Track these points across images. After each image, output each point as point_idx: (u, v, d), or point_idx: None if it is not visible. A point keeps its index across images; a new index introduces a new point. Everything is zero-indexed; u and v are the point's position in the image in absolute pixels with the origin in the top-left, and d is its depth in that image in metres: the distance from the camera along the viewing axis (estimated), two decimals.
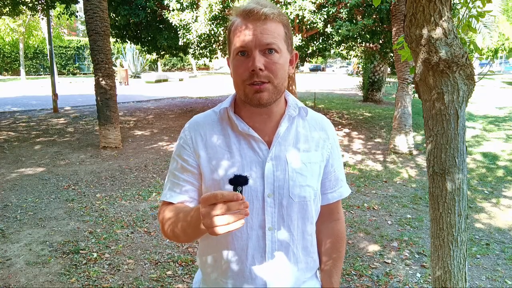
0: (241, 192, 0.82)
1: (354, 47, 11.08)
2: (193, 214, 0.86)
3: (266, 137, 0.99)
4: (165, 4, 8.55)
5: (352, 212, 4.17)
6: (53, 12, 14.49)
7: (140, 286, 2.73)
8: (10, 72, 30.63)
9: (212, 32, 7.74)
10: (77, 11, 12.76)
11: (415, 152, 6.80)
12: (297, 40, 7.53)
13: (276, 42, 0.90)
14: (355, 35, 7.57)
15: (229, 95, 1.05)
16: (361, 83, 15.93)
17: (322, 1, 7.33)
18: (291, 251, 1.01)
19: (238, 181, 0.84)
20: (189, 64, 40.79)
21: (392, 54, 8.91)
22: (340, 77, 34.24)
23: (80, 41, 33.58)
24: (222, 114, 1.01)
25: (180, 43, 8.86)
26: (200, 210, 0.75)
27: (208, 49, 9.27)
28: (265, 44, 0.89)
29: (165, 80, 27.19)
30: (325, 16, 7.24)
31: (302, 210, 1.00)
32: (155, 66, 36.27)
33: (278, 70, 0.91)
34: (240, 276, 1.00)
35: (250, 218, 0.97)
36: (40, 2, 9.53)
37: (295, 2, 6.95)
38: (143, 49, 12.90)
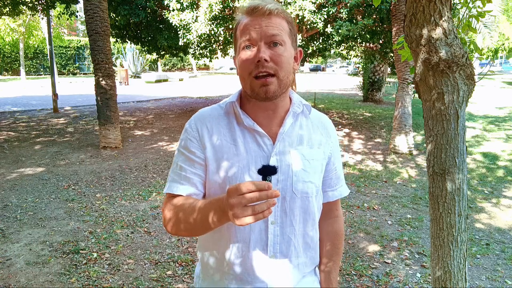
0: (270, 181, 0.81)
1: (354, 47, 11.08)
2: (214, 205, 0.84)
3: (270, 132, 1.00)
4: (165, 4, 8.55)
5: (352, 212, 4.17)
6: (53, 12, 14.48)
7: (140, 286, 2.73)
8: (10, 72, 30.64)
9: (212, 32, 7.75)
10: (77, 11, 12.77)
11: (415, 152, 6.80)
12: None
13: (280, 34, 0.93)
14: (355, 35, 7.58)
15: (230, 95, 1.06)
16: (361, 83, 15.92)
17: (322, 1, 7.33)
18: (292, 246, 1.02)
19: (268, 171, 0.84)
20: (189, 64, 40.81)
21: (392, 54, 8.91)
22: (340, 77, 34.23)
23: (80, 41, 33.57)
24: (228, 108, 1.03)
25: (180, 43, 8.87)
26: (229, 201, 0.75)
27: (208, 49, 9.28)
28: (270, 36, 0.91)
29: (165, 80, 27.19)
30: (325, 16, 7.25)
31: (304, 205, 1.02)
32: (155, 66, 36.29)
33: (283, 63, 0.93)
34: (243, 271, 1.00)
35: None
36: (40, 2, 9.53)
37: (295, 2, 6.95)
38: (143, 49, 12.92)
